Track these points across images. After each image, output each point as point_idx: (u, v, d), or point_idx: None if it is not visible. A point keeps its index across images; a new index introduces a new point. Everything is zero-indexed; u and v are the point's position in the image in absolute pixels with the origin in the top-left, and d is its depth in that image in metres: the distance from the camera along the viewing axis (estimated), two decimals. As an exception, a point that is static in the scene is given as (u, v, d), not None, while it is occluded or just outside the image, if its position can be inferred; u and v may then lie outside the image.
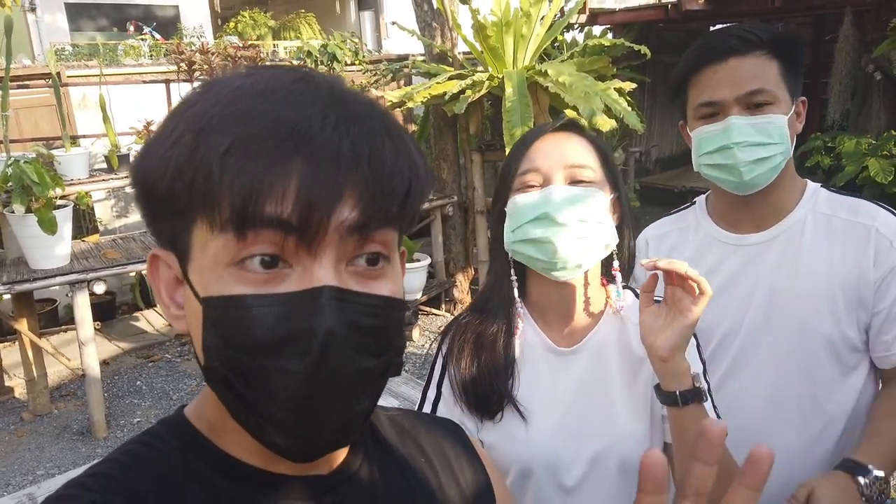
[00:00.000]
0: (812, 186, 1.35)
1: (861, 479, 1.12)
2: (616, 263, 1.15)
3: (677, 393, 1.00)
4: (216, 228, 0.53)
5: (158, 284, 0.60)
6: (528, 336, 1.16)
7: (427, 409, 1.16)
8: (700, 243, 1.40)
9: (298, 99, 0.54)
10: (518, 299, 1.17)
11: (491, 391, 1.11)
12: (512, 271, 1.16)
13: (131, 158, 5.28)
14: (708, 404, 1.12)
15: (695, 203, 1.47)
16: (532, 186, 1.10)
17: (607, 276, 1.17)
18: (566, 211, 1.06)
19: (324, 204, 0.51)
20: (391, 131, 0.57)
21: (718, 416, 1.14)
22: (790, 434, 1.32)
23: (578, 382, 1.13)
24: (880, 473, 1.14)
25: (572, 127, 1.15)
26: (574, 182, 1.09)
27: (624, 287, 1.18)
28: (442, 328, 1.23)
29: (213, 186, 0.52)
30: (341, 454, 0.67)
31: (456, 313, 5.91)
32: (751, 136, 1.22)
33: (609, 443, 1.10)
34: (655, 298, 1.19)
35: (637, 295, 1.19)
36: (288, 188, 0.51)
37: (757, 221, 1.34)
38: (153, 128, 5.18)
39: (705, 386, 1.04)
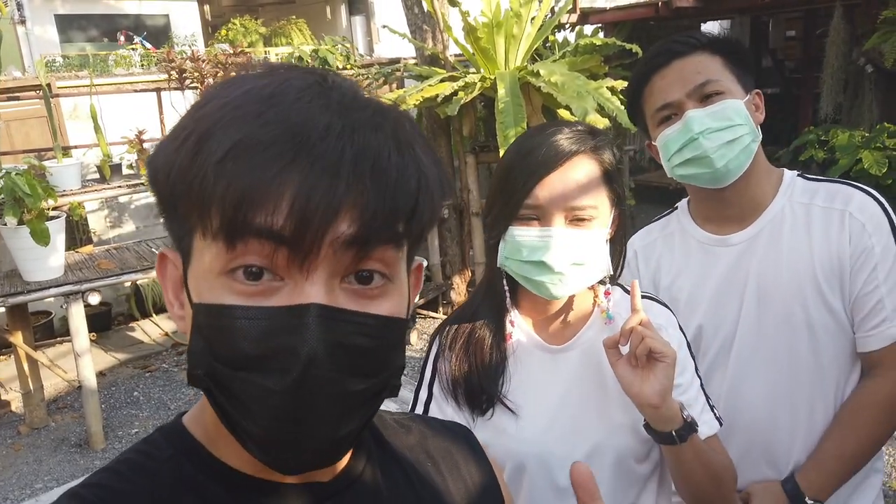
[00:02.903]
0: (788, 176, 1.35)
1: None
2: (608, 286, 1.17)
3: (673, 433, 1.01)
4: (208, 236, 0.52)
5: (166, 283, 0.61)
6: (519, 335, 1.17)
7: (419, 410, 1.16)
8: (687, 249, 1.40)
9: (306, 105, 0.52)
10: (509, 301, 1.17)
11: (480, 389, 1.12)
12: (504, 281, 1.17)
13: (123, 168, 5.29)
14: (705, 409, 1.14)
15: (677, 208, 1.47)
16: (532, 220, 1.09)
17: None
18: (563, 258, 1.06)
19: (319, 218, 0.49)
20: (401, 142, 0.54)
21: (718, 418, 1.16)
22: (798, 429, 1.31)
23: (570, 380, 1.14)
24: (815, 503, 1.26)
25: (583, 146, 1.09)
26: (575, 220, 1.07)
27: (613, 285, 1.19)
28: (434, 330, 1.24)
29: (207, 193, 0.51)
30: (343, 460, 0.65)
31: (453, 316, 5.93)
32: (712, 123, 1.23)
33: (604, 436, 1.10)
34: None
35: (624, 290, 1.21)
36: (281, 199, 0.49)
37: (738, 219, 1.33)
38: (145, 137, 5.16)
39: (691, 414, 1.05)
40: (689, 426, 1.02)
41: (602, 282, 1.16)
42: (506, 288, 1.17)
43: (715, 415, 1.15)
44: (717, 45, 1.27)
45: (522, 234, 1.08)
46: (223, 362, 0.52)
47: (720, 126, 1.23)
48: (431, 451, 0.77)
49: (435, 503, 0.72)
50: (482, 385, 1.12)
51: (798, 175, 1.36)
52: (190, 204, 0.53)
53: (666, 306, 1.19)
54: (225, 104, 0.53)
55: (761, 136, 1.29)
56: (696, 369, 1.16)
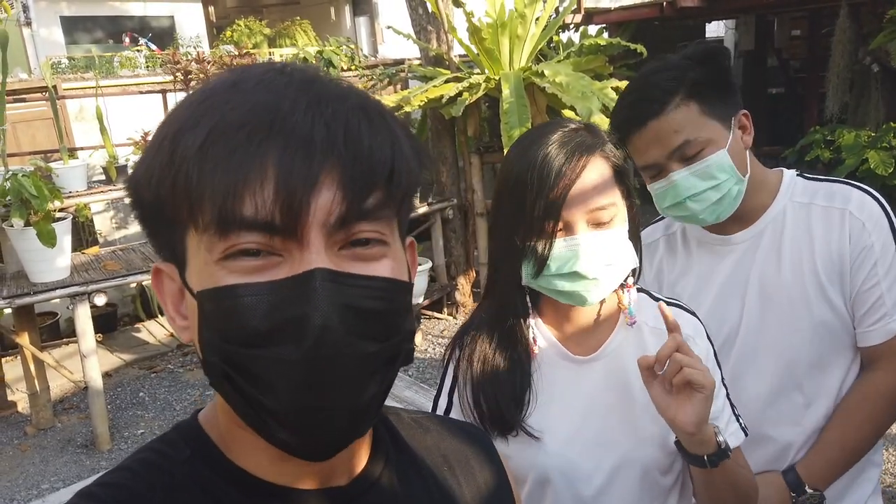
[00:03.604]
0: (788, 176, 1.36)
1: (795, 497, 1.29)
2: (630, 280, 1.12)
3: (705, 457, 0.99)
4: (201, 228, 0.52)
5: (164, 298, 0.60)
6: (543, 345, 1.13)
7: None
8: (690, 248, 1.42)
9: (268, 87, 0.53)
10: (532, 312, 1.14)
11: (502, 418, 1.09)
12: (528, 299, 1.13)
13: (129, 169, 5.31)
14: (731, 420, 1.12)
15: None
16: (553, 232, 1.04)
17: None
18: (594, 263, 1.03)
19: (302, 193, 0.50)
20: (369, 110, 0.55)
21: (743, 428, 1.14)
22: (798, 425, 1.33)
23: (596, 390, 1.11)
24: (815, 492, 1.28)
25: (588, 150, 1.06)
26: (597, 222, 1.04)
27: (637, 290, 1.16)
28: (445, 332, 1.21)
29: (192, 183, 0.51)
30: (360, 462, 0.65)
31: (459, 317, 5.93)
32: (697, 185, 1.24)
33: (631, 449, 1.08)
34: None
35: (648, 294, 1.18)
36: (265, 182, 0.50)
37: (740, 220, 1.34)
38: (150, 138, 5.17)
39: (724, 439, 1.02)
40: (723, 452, 0.99)
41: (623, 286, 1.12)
42: (529, 305, 1.12)
43: (741, 425, 1.13)
44: (693, 86, 1.22)
45: (548, 249, 1.04)
46: (238, 343, 0.52)
47: (706, 186, 1.23)
48: (448, 453, 0.76)
49: None
50: (504, 416, 1.09)
51: (798, 175, 1.37)
52: (177, 200, 0.53)
53: (694, 314, 1.17)
54: (191, 104, 0.55)
55: (748, 176, 1.28)
56: (723, 379, 1.14)
